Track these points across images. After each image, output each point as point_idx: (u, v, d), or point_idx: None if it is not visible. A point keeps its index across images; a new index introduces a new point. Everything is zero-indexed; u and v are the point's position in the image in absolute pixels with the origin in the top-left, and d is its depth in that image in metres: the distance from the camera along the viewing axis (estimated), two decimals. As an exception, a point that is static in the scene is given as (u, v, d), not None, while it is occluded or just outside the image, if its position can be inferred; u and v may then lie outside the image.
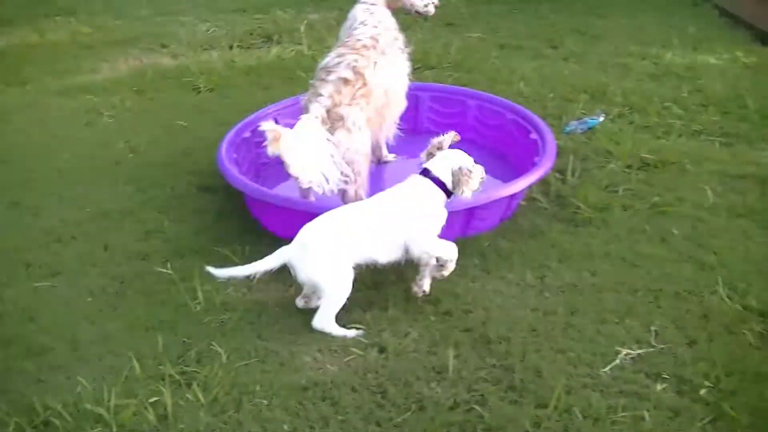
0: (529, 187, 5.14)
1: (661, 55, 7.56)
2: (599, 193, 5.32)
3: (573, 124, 6.23)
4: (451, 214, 4.64)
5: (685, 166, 5.68)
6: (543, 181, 5.37)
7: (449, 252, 4.36)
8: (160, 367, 3.90)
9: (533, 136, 5.54)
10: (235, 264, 4.52)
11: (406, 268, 4.54)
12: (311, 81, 4.97)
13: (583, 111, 6.43)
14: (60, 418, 3.61)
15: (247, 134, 5.56)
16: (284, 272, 4.47)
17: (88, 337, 4.15)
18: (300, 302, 4.31)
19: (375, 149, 5.32)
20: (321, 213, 4.51)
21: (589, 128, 6.19)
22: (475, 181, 4.33)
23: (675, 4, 9.00)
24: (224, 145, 5.29)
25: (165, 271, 4.60)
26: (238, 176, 5.00)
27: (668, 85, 6.97)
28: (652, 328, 4.17)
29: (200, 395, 3.73)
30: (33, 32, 8.53)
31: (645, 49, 7.73)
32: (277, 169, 5.37)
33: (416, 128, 5.97)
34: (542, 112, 6.38)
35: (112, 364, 3.95)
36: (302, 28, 8.12)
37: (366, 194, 4.90)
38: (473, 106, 5.98)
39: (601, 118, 6.31)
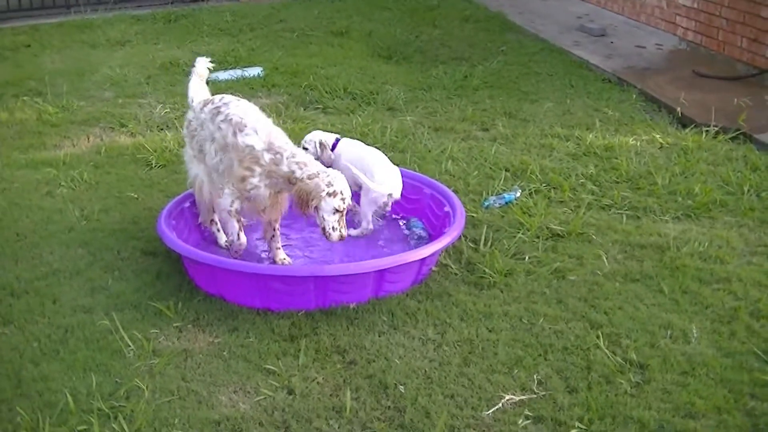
0: (438, 253, 5.65)
1: (583, 137, 8.02)
2: (506, 260, 5.81)
3: (491, 199, 6.70)
4: (364, 276, 5.25)
5: (591, 236, 6.16)
6: (456, 250, 5.90)
7: None
8: (92, 402, 4.39)
9: (446, 208, 6.07)
10: (170, 319, 5.13)
11: (319, 322, 5.13)
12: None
13: (503, 187, 6.91)
14: (-2, 443, 4.10)
15: (187, 204, 6.11)
16: (213, 324, 5.11)
17: (30, 376, 4.63)
18: None
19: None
20: (245, 271, 5.16)
21: (506, 203, 6.65)
22: None
23: (603, 90, 9.49)
24: (164, 213, 5.84)
25: (105, 322, 5.10)
26: (172, 238, 5.54)
27: (586, 163, 7.45)
28: (537, 377, 4.64)
29: (125, 426, 4.22)
30: (3, 111, 8.97)
31: (569, 131, 8.21)
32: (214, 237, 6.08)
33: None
34: (465, 188, 6.92)
35: (50, 399, 4.44)
36: None
37: None
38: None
39: (518, 194, 6.78)
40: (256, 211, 5.62)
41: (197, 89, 6.15)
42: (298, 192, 5.36)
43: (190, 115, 5.97)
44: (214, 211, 5.99)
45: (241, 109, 5.66)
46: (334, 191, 5.33)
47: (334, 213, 5.35)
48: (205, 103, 5.84)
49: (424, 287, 5.53)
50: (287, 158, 5.39)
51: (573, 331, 5.07)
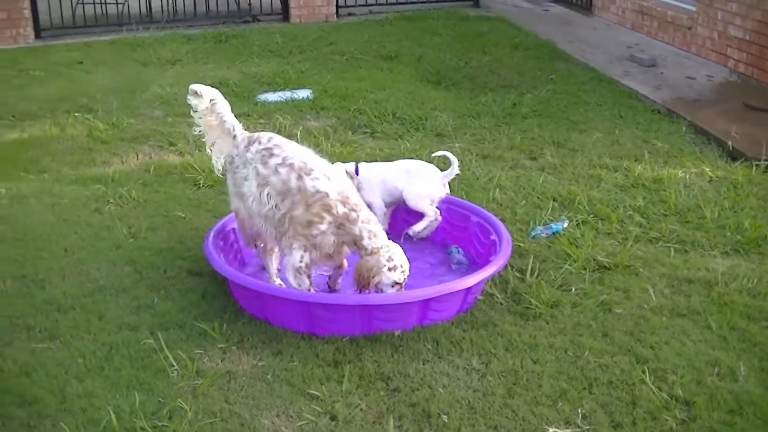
0: (483, 282, 5.62)
1: (632, 168, 7.95)
2: (552, 291, 5.76)
3: (538, 229, 6.66)
4: (409, 305, 5.24)
5: (638, 269, 6.09)
6: (502, 279, 5.86)
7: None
8: (135, 420, 4.41)
9: (493, 237, 6.06)
10: (214, 339, 5.13)
11: (364, 348, 5.12)
12: None
13: (550, 217, 6.87)
14: (43, 458, 4.14)
15: (234, 225, 6.08)
16: (257, 346, 5.11)
17: (75, 392, 4.67)
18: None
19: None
20: (292, 298, 5.18)
21: (554, 233, 6.61)
22: None
23: (652, 121, 9.42)
24: (211, 234, 5.88)
25: (150, 341, 5.12)
26: (218, 260, 5.58)
27: (634, 195, 7.39)
28: (581, 410, 4.58)
29: (167, 447, 4.26)
30: (54, 126, 9.12)
31: (618, 162, 8.14)
32: (257, 260, 6.10)
33: (392, 229, 6.48)
34: (512, 217, 6.88)
35: (93, 416, 4.46)
36: (299, 133, 8.64)
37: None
38: (443, 209, 6.47)
39: (565, 224, 6.73)
40: (324, 259, 5.51)
41: (230, 114, 5.87)
42: (359, 269, 5.36)
43: (233, 150, 5.77)
44: (256, 239, 5.93)
45: (298, 151, 5.57)
46: (395, 265, 5.35)
47: (393, 286, 5.35)
48: (250, 142, 5.67)
49: (470, 316, 5.49)
50: (362, 221, 5.36)
51: (618, 365, 5.00)
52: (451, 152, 6.73)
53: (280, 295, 5.34)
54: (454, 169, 6.48)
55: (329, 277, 5.83)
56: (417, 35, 13.22)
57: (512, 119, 9.52)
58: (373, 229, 5.38)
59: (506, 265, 5.84)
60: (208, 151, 5.98)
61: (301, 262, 5.40)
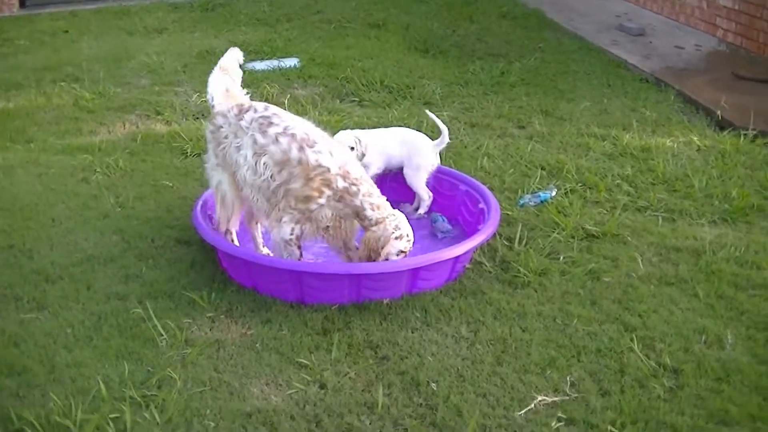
0: (471, 251, 5.62)
1: (620, 137, 7.95)
2: (541, 260, 5.76)
3: (526, 198, 6.66)
4: (397, 274, 5.23)
5: (626, 237, 6.10)
6: (491, 248, 5.87)
7: None
8: (124, 390, 4.40)
9: (481, 205, 6.05)
10: (203, 308, 5.13)
11: (352, 317, 5.11)
12: None
13: (538, 186, 6.87)
14: (32, 428, 4.11)
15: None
16: (246, 315, 5.11)
17: (63, 361, 4.65)
18: None
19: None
20: (281, 267, 5.14)
21: (542, 201, 6.61)
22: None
23: (641, 90, 9.41)
24: (199, 203, 5.86)
25: (138, 310, 5.11)
26: (207, 229, 5.55)
27: (622, 164, 7.39)
28: (570, 378, 4.60)
29: (157, 415, 4.24)
30: (40, 96, 9.08)
31: (606, 131, 8.14)
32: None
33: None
34: (500, 185, 6.88)
35: (82, 385, 4.45)
36: (286, 101, 8.61)
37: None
38: (431, 178, 6.48)
39: (553, 193, 6.74)
40: (318, 232, 5.42)
41: (219, 86, 5.86)
42: (367, 242, 5.32)
43: (219, 120, 5.63)
44: (229, 222, 5.82)
45: (299, 122, 5.46)
46: (401, 234, 5.32)
47: (398, 254, 5.32)
48: (242, 110, 5.53)
49: (458, 284, 5.50)
50: (363, 194, 5.29)
51: (607, 334, 5.01)
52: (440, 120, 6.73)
53: (269, 264, 5.32)
54: (445, 138, 6.48)
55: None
56: (404, 3, 13.18)
57: (500, 88, 9.51)
58: (375, 202, 5.33)
59: (495, 233, 5.84)
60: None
61: (291, 234, 5.34)
